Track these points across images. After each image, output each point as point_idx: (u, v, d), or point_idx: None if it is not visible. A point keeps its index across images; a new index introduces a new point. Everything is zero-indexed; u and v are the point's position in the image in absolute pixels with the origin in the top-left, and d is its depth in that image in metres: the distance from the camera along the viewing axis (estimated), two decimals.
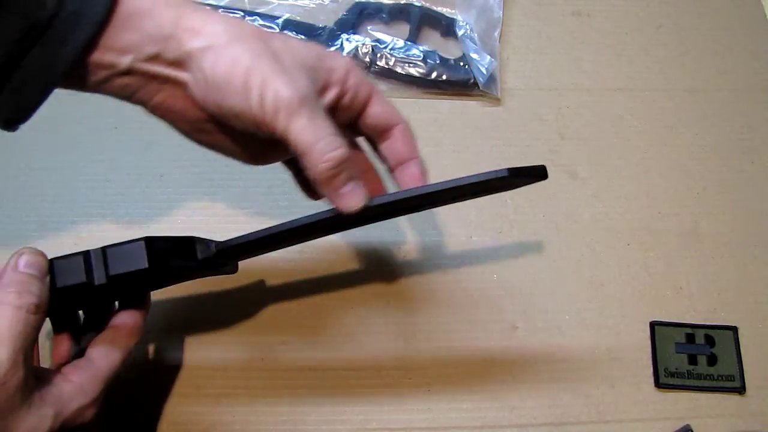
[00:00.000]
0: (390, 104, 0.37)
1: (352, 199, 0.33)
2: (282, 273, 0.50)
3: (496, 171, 0.33)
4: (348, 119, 0.36)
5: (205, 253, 0.36)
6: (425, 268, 0.50)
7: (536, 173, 0.35)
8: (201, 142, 0.36)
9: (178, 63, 0.32)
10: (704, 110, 0.58)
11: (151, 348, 0.47)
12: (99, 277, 0.34)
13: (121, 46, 0.31)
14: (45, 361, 0.41)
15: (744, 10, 0.63)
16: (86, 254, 0.34)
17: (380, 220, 0.38)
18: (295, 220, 0.35)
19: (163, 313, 0.48)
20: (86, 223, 0.50)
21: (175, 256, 0.35)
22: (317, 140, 0.31)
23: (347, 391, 0.46)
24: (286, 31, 0.59)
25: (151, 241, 0.34)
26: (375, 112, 0.36)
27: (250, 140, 0.35)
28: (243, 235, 0.36)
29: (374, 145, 0.39)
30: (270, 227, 0.36)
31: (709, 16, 0.63)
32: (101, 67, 0.32)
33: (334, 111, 0.35)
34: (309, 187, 0.39)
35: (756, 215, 0.53)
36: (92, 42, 0.31)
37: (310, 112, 0.31)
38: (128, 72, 0.32)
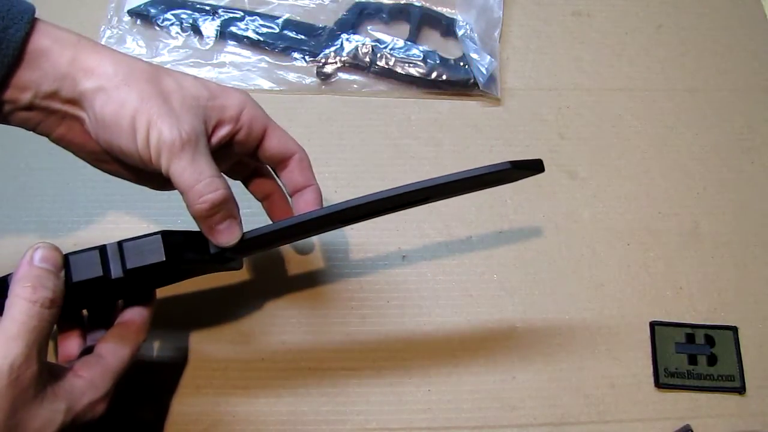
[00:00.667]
0: (286, 135, 0.39)
1: (227, 236, 0.35)
2: (282, 273, 0.50)
3: (499, 164, 0.34)
4: (246, 152, 0.39)
5: (216, 246, 0.37)
6: (425, 268, 0.50)
7: (534, 166, 0.36)
8: (103, 170, 0.38)
9: (74, 101, 0.34)
10: (704, 110, 0.58)
11: (150, 348, 0.47)
12: (116, 271, 0.34)
13: (21, 84, 0.33)
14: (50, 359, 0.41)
15: (744, 10, 0.63)
16: (102, 248, 0.34)
17: (391, 213, 0.38)
18: (304, 214, 0.36)
19: (163, 313, 0.48)
20: (86, 223, 0.50)
21: (189, 249, 0.36)
22: (196, 181, 0.33)
23: (347, 391, 0.46)
24: (285, 31, 0.59)
25: (167, 235, 0.35)
26: (271, 145, 0.38)
27: (145, 172, 0.36)
28: (254, 229, 0.37)
29: (275, 173, 0.41)
30: (280, 221, 0.36)
31: (709, 16, 0.63)
32: (3, 102, 0.34)
33: (229, 146, 0.37)
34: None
35: (756, 215, 0.53)
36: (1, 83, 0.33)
37: (192, 154, 0.33)
38: (29, 107, 0.34)
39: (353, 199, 0.35)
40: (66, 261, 0.33)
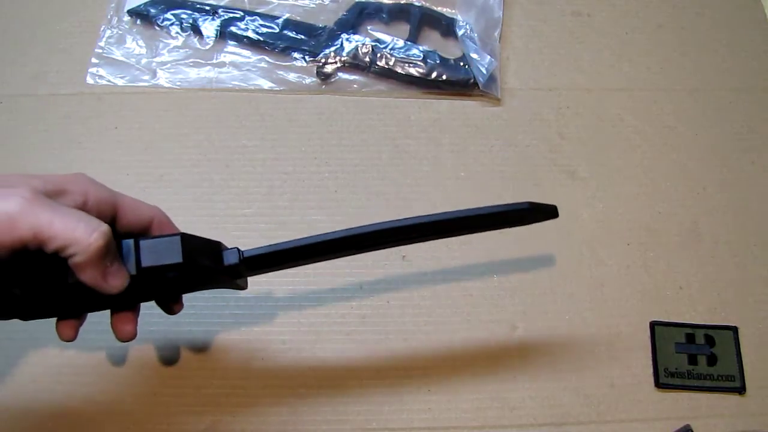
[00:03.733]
0: (137, 203, 0.36)
1: (120, 278, 0.32)
2: (282, 273, 0.50)
3: (517, 203, 0.35)
4: None
5: (230, 259, 0.36)
6: (425, 267, 0.50)
7: (550, 211, 0.37)
8: None
9: None
10: (704, 110, 0.58)
11: (150, 348, 0.47)
12: (129, 268, 0.33)
13: None
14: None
15: (744, 10, 0.63)
16: (117, 243, 0.33)
17: (405, 244, 0.38)
18: (324, 234, 0.35)
19: (163, 313, 0.48)
20: None
21: (205, 256, 0.35)
22: (76, 224, 0.30)
23: (347, 391, 0.46)
24: (285, 31, 0.59)
25: (185, 238, 0.34)
26: (126, 219, 0.36)
27: None
28: (269, 245, 0.36)
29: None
30: (296, 240, 0.35)
31: (709, 16, 0.63)
32: None
33: None
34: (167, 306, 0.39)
35: (756, 215, 0.53)
36: None
37: (49, 206, 0.30)
38: None
39: (369, 224, 0.34)
40: None
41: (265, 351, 0.47)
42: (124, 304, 0.37)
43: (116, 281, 0.32)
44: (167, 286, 0.37)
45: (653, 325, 0.49)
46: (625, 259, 0.51)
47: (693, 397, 0.47)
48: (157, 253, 0.33)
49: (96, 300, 0.35)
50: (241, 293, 0.49)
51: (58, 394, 0.45)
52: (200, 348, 0.47)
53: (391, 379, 0.46)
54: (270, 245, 0.36)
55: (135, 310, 0.38)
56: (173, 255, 0.33)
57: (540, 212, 0.37)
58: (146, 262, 0.33)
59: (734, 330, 0.49)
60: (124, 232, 0.36)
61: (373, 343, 0.47)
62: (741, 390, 0.47)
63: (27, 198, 0.30)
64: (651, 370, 0.47)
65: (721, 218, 0.53)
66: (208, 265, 0.35)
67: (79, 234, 0.30)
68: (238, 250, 0.36)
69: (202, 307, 0.48)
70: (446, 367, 0.47)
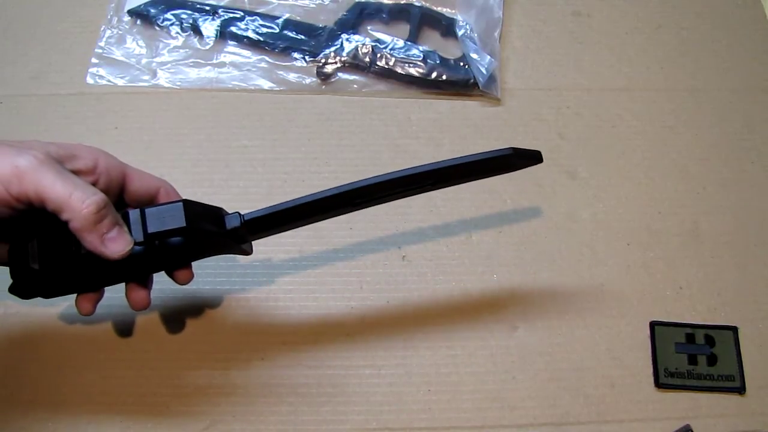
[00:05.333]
0: (145, 174, 0.39)
1: (119, 244, 0.34)
2: (281, 273, 0.50)
3: (502, 149, 0.37)
4: (111, 200, 0.37)
5: (232, 223, 0.37)
6: (425, 268, 0.50)
7: (534, 156, 0.39)
8: None
9: None
10: (704, 110, 0.58)
11: (150, 349, 0.47)
12: (136, 235, 0.35)
13: None
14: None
15: (744, 10, 0.63)
16: (124, 214, 0.35)
17: (400, 197, 0.39)
18: (319, 192, 0.36)
19: (163, 313, 0.48)
20: None
21: (207, 221, 0.37)
22: (73, 188, 0.32)
23: (347, 390, 0.46)
24: (285, 31, 0.59)
25: (187, 204, 0.35)
26: (134, 187, 0.38)
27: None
28: (269, 207, 0.37)
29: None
30: (295, 199, 0.37)
31: (709, 16, 0.63)
32: None
33: None
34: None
35: (756, 215, 0.53)
36: None
37: (56, 169, 0.33)
38: None
39: (362, 180, 0.36)
40: None
41: (265, 351, 0.47)
42: (137, 274, 0.39)
43: (116, 246, 0.34)
44: (175, 253, 0.38)
45: (653, 325, 0.49)
46: (625, 259, 0.51)
47: (693, 397, 0.47)
48: (162, 219, 0.35)
49: (110, 271, 0.37)
50: (241, 293, 0.49)
51: (58, 394, 0.45)
52: (200, 348, 0.47)
53: (391, 379, 0.46)
54: (269, 206, 0.37)
55: (148, 281, 0.40)
56: (177, 220, 0.35)
57: (524, 157, 0.38)
58: (152, 228, 0.35)
59: (734, 330, 0.49)
60: (133, 200, 0.39)
61: (373, 343, 0.47)
62: (741, 390, 0.47)
63: (39, 158, 0.33)
64: (651, 370, 0.47)
65: (721, 218, 0.53)
66: (210, 228, 0.37)
67: (74, 199, 0.32)
68: (239, 213, 0.38)
69: (201, 307, 0.48)
70: (446, 367, 0.47)
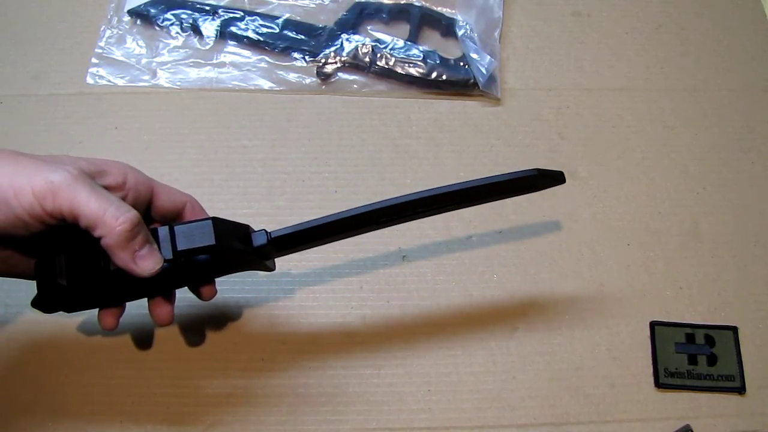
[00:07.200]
0: (172, 189, 0.39)
1: (150, 262, 0.34)
2: (281, 273, 0.50)
3: (526, 170, 0.37)
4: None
5: (259, 240, 0.37)
6: (425, 268, 0.50)
7: (557, 177, 0.39)
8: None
9: None
10: (704, 110, 0.58)
11: (150, 349, 0.47)
12: (165, 253, 0.35)
13: None
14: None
15: (744, 10, 0.63)
16: (153, 230, 0.35)
17: (427, 216, 0.40)
18: (346, 211, 0.37)
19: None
20: None
21: (235, 239, 0.37)
22: (108, 205, 0.33)
23: (347, 391, 0.46)
24: (285, 31, 0.59)
25: (216, 222, 0.36)
26: (161, 203, 0.38)
27: (32, 244, 0.35)
28: (295, 225, 0.37)
29: None
30: (322, 217, 0.37)
31: (709, 16, 0.63)
32: None
33: None
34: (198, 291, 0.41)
35: (756, 215, 0.53)
36: None
37: (90, 186, 0.33)
38: None
39: (388, 199, 0.36)
40: None
41: (265, 351, 0.47)
42: (162, 290, 0.39)
43: (146, 264, 0.34)
44: (201, 270, 0.38)
45: (653, 325, 0.49)
46: (625, 259, 0.51)
47: (693, 397, 0.47)
48: (191, 237, 0.35)
49: (136, 287, 0.37)
50: (240, 294, 0.49)
51: (58, 394, 0.45)
52: (200, 348, 0.47)
53: (391, 379, 0.46)
54: (295, 225, 0.37)
55: (171, 296, 0.40)
56: (206, 238, 0.35)
57: (548, 178, 0.39)
58: (181, 245, 0.35)
59: (734, 330, 0.49)
60: (160, 215, 0.38)
61: (373, 343, 0.48)
62: (741, 390, 0.47)
63: (73, 174, 0.33)
64: (651, 370, 0.47)
65: (721, 218, 0.53)
66: (239, 247, 0.37)
67: (108, 216, 0.32)
68: (266, 231, 0.38)
69: (201, 307, 0.48)
70: (446, 367, 0.47)
